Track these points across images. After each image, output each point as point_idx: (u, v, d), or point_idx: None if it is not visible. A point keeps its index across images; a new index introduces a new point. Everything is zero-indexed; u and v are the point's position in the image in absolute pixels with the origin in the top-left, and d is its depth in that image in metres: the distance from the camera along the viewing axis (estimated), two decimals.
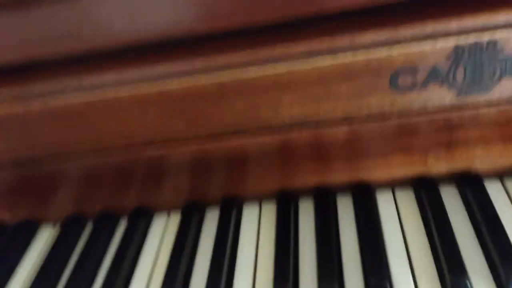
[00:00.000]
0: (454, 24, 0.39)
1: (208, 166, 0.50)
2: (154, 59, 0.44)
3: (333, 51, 0.41)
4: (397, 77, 0.41)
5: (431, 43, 0.39)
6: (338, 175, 0.49)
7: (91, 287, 0.48)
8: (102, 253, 0.51)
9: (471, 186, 0.47)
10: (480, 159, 0.47)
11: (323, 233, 0.46)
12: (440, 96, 0.41)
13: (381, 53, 0.40)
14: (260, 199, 0.52)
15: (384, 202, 0.48)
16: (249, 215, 0.52)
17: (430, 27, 0.39)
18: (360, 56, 0.40)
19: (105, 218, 0.54)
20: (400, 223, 0.46)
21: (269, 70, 0.42)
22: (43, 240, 0.55)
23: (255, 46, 0.42)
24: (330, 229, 0.46)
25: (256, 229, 0.50)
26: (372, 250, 0.43)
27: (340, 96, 0.42)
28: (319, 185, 0.50)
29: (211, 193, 0.52)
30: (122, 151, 0.47)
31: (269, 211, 0.51)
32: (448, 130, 0.44)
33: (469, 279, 0.38)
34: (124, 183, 0.52)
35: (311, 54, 0.41)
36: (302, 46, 0.41)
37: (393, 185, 0.49)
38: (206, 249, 0.48)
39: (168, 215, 0.54)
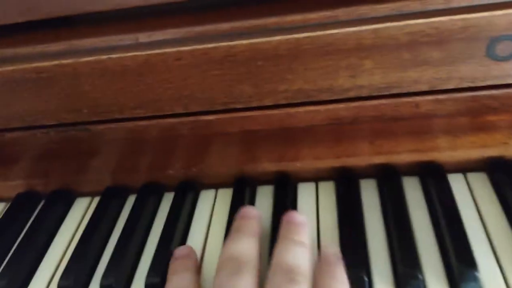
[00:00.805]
0: None
1: (262, 138, 0.46)
2: (221, 16, 0.40)
3: (425, 12, 0.37)
4: (495, 43, 0.37)
5: None
6: (405, 155, 0.45)
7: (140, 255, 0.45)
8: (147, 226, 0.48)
9: None
10: None
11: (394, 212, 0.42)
12: None
13: (481, 15, 0.36)
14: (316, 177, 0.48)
15: (458, 185, 0.45)
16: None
17: None
18: (457, 17, 0.36)
19: (149, 190, 0.50)
20: (477, 207, 0.43)
21: (351, 29, 0.38)
22: (80, 211, 0.51)
23: (335, 5, 0.38)
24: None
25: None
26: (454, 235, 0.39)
27: (429, 62, 0.38)
28: (383, 164, 0.46)
29: (262, 168, 0.48)
30: (176, 116, 0.43)
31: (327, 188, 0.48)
32: None
33: None
34: (170, 152, 0.48)
35: (400, 13, 0.37)
36: (390, 5, 0.37)
37: (465, 169, 0.46)
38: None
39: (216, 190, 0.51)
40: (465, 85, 0.39)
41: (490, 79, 0.38)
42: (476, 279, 0.35)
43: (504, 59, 0.37)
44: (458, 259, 0.36)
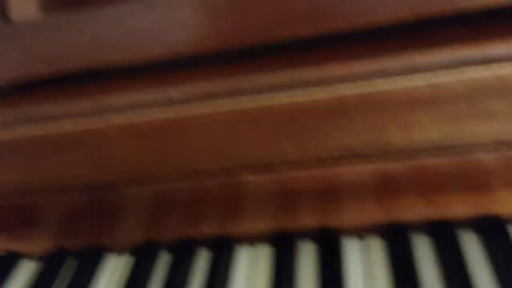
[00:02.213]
0: None
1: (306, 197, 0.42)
2: (259, 68, 0.37)
3: (487, 60, 0.33)
4: None
5: None
6: (465, 208, 0.41)
7: None
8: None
9: None
10: None
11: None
12: None
13: None
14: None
15: None
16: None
17: None
18: None
19: (182, 247, 0.47)
20: None
21: (403, 82, 0.34)
22: (111, 269, 0.49)
23: (384, 53, 0.35)
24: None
25: None
26: None
27: (493, 115, 0.34)
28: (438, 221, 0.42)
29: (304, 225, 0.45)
30: (212, 176, 0.40)
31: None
32: None
33: None
34: (206, 210, 0.45)
35: (459, 62, 0.33)
36: (447, 53, 0.33)
37: None
38: None
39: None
40: None
41: None
42: None
43: None
44: None
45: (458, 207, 0.40)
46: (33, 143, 0.41)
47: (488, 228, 0.41)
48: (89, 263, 0.49)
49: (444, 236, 0.42)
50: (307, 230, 0.45)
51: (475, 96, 0.33)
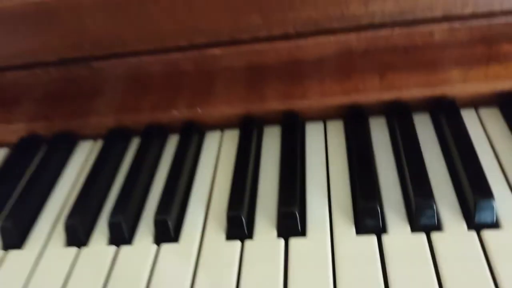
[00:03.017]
0: None
1: (269, 73, 0.44)
2: None
3: None
4: None
5: None
6: (416, 90, 0.44)
7: (146, 195, 0.44)
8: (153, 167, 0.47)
9: None
10: None
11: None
12: None
13: None
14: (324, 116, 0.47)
15: (470, 120, 0.44)
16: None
17: None
18: None
19: (153, 132, 0.49)
20: (490, 141, 0.42)
21: None
22: (84, 153, 0.50)
23: None
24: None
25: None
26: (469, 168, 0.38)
27: None
28: (393, 100, 0.45)
29: (269, 106, 0.47)
30: (182, 50, 0.42)
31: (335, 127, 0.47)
32: None
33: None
34: (175, 90, 0.46)
35: None
36: None
37: (478, 102, 0.44)
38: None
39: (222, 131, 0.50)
40: (481, 10, 0.37)
41: (507, 3, 0.37)
42: (492, 208, 0.35)
43: None
44: (474, 190, 0.36)
45: (411, 87, 0.43)
46: (5, 17, 0.41)
47: (439, 108, 0.44)
48: (62, 147, 0.51)
49: (399, 116, 0.45)
50: (272, 114, 0.48)
51: None
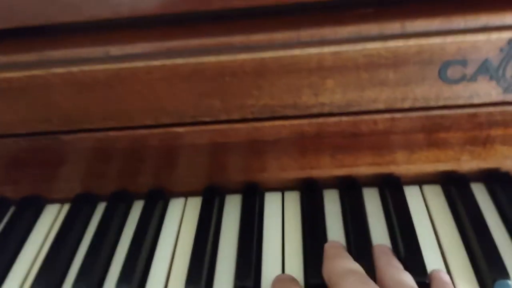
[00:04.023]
0: (509, 17, 0.38)
1: (230, 150, 0.47)
2: (191, 32, 0.41)
3: (383, 36, 0.39)
4: (447, 67, 0.39)
5: (486, 35, 0.38)
6: (365, 168, 0.48)
7: (110, 262, 0.46)
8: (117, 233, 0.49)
9: (501, 184, 0.46)
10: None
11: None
12: (487, 90, 0.40)
13: (434, 40, 0.38)
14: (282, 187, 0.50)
15: (413, 196, 0.48)
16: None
17: (485, 19, 0.38)
18: (411, 42, 0.39)
19: (119, 198, 0.51)
20: (430, 216, 0.46)
21: (314, 51, 0.40)
22: (51, 217, 0.52)
23: (299, 25, 0.40)
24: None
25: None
26: (407, 242, 0.42)
27: (386, 83, 0.40)
28: (344, 176, 0.49)
29: (231, 178, 0.50)
30: (148, 127, 0.45)
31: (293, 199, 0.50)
32: (488, 127, 0.43)
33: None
34: (141, 161, 0.49)
35: (359, 37, 0.39)
36: (350, 28, 0.39)
37: (421, 181, 0.48)
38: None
39: (186, 198, 0.52)
40: (419, 105, 0.41)
41: (442, 100, 0.41)
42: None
43: (455, 82, 0.40)
44: (411, 264, 0.39)
45: (360, 165, 0.47)
46: None
47: (385, 184, 0.48)
48: (29, 211, 0.52)
49: (349, 190, 0.48)
50: (234, 184, 0.50)
51: (371, 66, 0.40)
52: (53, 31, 0.43)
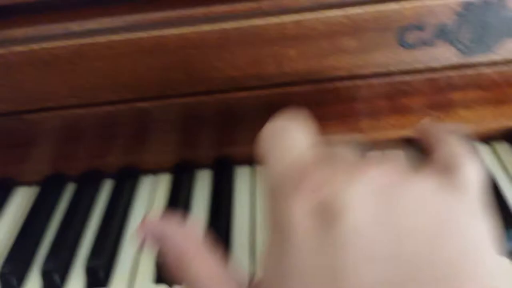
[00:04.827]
0: None
1: (198, 124, 0.48)
2: (152, 5, 0.41)
3: (342, 3, 0.39)
4: (405, 32, 0.40)
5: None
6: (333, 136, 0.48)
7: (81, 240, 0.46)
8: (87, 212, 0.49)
9: None
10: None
11: None
12: (445, 54, 0.41)
13: (391, 6, 0.39)
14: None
15: None
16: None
17: None
18: (370, 9, 0.39)
19: (88, 178, 0.51)
20: None
21: (275, 20, 0.40)
22: (20, 200, 0.52)
23: None
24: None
25: None
26: None
27: (346, 50, 0.41)
28: None
29: (201, 153, 0.50)
30: (112, 103, 0.44)
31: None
32: (448, 91, 0.44)
33: None
34: (109, 139, 0.49)
35: (319, 6, 0.39)
36: None
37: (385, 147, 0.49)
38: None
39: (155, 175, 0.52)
40: (380, 71, 0.42)
41: (402, 65, 0.42)
42: None
43: (413, 46, 0.41)
44: None
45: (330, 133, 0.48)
46: None
47: None
48: None
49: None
50: (204, 160, 0.51)
51: (331, 34, 0.40)
52: (12, 11, 0.42)
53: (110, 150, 0.49)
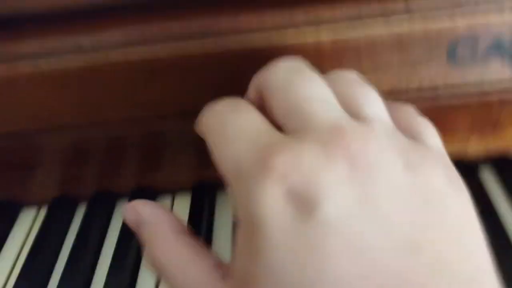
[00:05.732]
0: None
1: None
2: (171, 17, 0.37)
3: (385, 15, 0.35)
4: (456, 48, 0.36)
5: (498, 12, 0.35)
6: None
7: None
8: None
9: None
10: None
11: None
12: (498, 71, 0.37)
13: (442, 21, 0.35)
14: None
15: None
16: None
17: None
18: (417, 24, 0.35)
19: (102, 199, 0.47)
20: None
21: (308, 36, 0.36)
22: (27, 223, 0.48)
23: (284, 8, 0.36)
24: None
25: None
26: None
27: (390, 66, 0.37)
28: None
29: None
30: (126, 124, 0.41)
31: None
32: (499, 109, 0.40)
33: None
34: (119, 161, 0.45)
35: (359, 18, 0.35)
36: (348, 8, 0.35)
37: None
38: None
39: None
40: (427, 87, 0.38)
41: (450, 81, 0.38)
42: None
43: (464, 62, 0.37)
44: None
45: None
46: None
47: None
48: (5, 216, 0.48)
49: None
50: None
51: (374, 50, 0.36)
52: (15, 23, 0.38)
53: (123, 171, 0.46)
